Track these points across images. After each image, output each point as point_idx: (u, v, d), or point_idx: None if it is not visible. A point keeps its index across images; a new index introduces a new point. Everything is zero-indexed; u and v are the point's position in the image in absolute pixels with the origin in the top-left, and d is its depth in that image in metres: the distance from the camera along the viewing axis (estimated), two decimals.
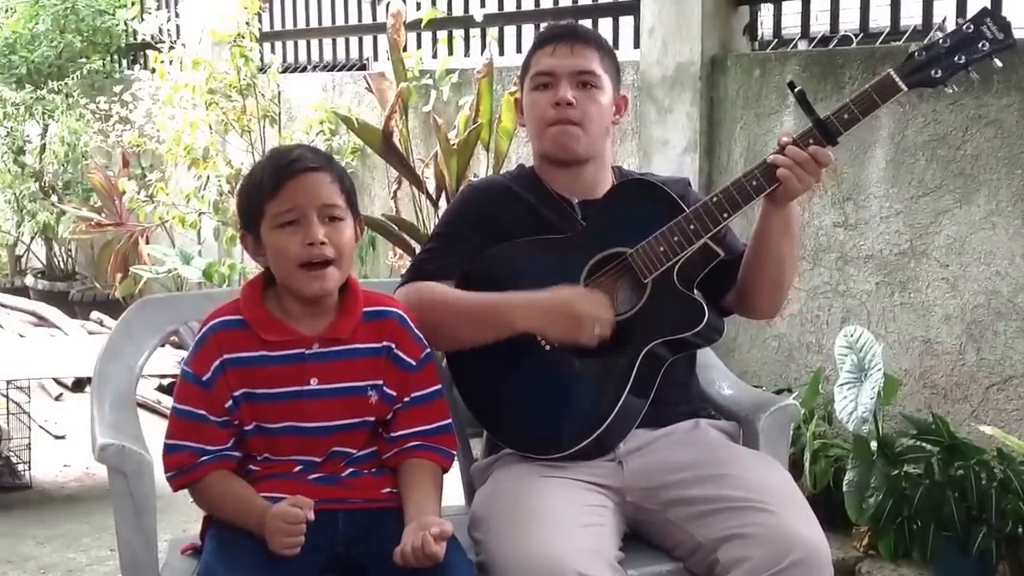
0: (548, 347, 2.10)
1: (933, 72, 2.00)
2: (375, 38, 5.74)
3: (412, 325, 2.02)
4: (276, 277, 1.96)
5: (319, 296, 1.93)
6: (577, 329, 2.02)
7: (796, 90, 2.07)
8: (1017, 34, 2.02)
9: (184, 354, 1.98)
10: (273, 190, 1.90)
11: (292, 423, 1.93)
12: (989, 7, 2.05)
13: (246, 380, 1.92)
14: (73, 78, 6.85)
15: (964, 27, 2.00)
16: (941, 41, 2.00)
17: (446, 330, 2.10)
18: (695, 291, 2.09)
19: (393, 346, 1.99)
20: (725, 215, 2.05)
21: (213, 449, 1.92)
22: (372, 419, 1.98)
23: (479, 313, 2.10)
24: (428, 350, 2.03)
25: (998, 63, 2.01)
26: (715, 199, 2.06)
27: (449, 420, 2.04)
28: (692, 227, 2.05)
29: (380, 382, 1.97)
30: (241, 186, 2.04)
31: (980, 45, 1.99)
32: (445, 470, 2.03)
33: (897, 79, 2.00)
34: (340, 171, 1.97)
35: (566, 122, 2.16)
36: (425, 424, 2.00)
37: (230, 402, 1.92)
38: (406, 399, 1.99)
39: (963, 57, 1.99)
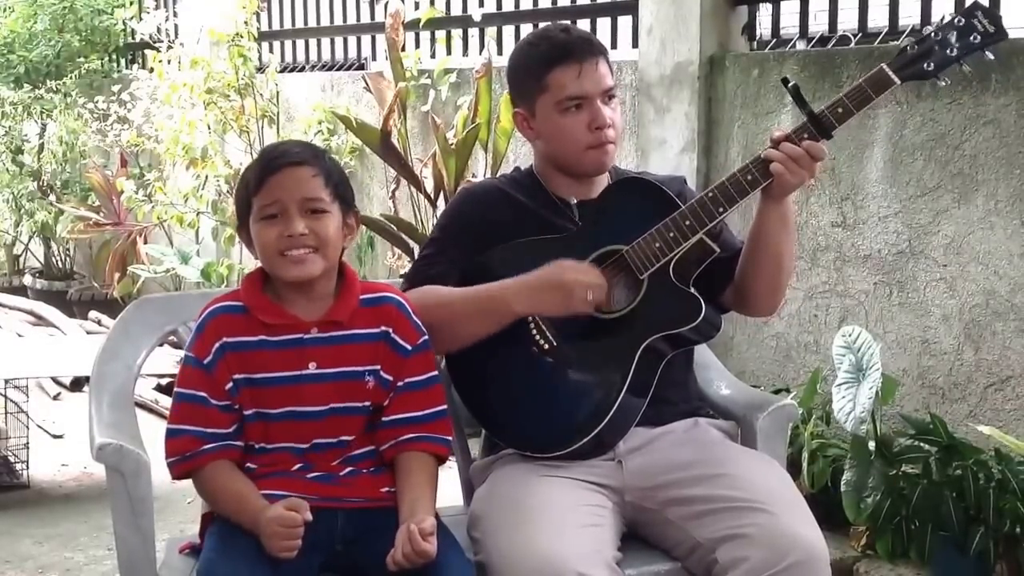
0: (548, 345, 2.10)
1: (925, 65, 2.01)
2: (373, 38, 5.73)
3: (411, 312, 2.03)
4: (264, 268, 1.99)
5: (300, 280, 1.94)
6: (569, 299, 2.01)
7: (790, 85, 2.08)
8: (1016, 34, 2.02)
9: (183, 353, 1.99)
10: (257, 185, 1.94)
11: (290, 408, 1.94)
12: (982, 2, 2.04)
13: (245, 365, 1.94)
14: (71, 77, 6.85)
15: (955, 20, 2.02)
16: (933, 35, 2.02)
17: (448, 329, 2.10)
18: (691, 287, 2.09)
19: (391, 331, 2.00)
20: (720, 210, 2.05)
21: (214, 433, 1.93)
22: (368, 404, 1.99)
23: (476, 305, 2.09)
24: (425, 337, 2.04)
25: (989, 55, 2.02)
26: (710, 194, 2.06)
27: (445, 407, 2.05)
28: (687, 223, 2.06)
29: (377, 367, 1.99)
30: (236, 184, 2.06)
31: (971, 38, 2.00)
32: (441, 459, 2.03)
33: (890, 72, 2.01)
34: (327, 164, 1.98)
35: (608, 143, 2.16)
36: (420, 410, 2.00)
37: (230, 384, 1.94)
38: (400, 384, 2.00)
39: (954, 50, 2.01)
